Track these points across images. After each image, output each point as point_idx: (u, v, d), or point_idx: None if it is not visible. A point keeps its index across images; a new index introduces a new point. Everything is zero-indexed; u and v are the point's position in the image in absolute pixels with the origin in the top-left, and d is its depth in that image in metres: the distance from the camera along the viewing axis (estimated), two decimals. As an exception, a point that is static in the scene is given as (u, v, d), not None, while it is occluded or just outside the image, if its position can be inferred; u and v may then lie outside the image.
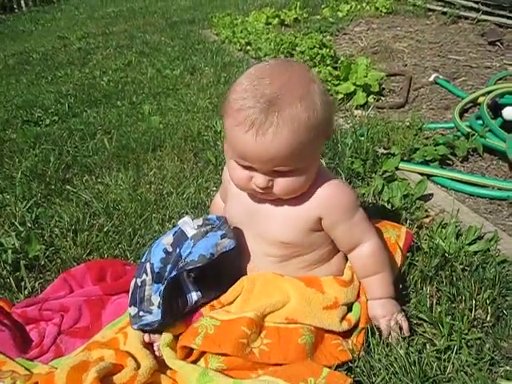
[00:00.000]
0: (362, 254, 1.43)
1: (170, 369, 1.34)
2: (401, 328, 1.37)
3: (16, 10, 13.06)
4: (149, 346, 1.37)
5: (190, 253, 1.41)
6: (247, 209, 1.46)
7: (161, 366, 1.33)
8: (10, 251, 1.94)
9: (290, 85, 1.24)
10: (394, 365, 1.27)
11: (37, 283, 1.83)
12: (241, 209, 1.48)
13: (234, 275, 1.46)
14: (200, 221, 1.47)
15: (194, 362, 1.31)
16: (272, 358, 1.26)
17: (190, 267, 1.37)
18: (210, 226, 1.45)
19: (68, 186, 2.54)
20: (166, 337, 1.34)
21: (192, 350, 1.31)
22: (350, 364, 1.29)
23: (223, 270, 1.45)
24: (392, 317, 1.39)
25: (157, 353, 1.36)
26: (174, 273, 1.38)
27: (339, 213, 1.39)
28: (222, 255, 1.39)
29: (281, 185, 1.32)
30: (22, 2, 13.16)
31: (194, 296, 1.41)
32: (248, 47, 5.13)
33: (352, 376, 1.25)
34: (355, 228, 1.41)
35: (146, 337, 1.38)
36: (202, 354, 1.30)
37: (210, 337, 1.27)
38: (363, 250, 1.43)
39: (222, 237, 1.42)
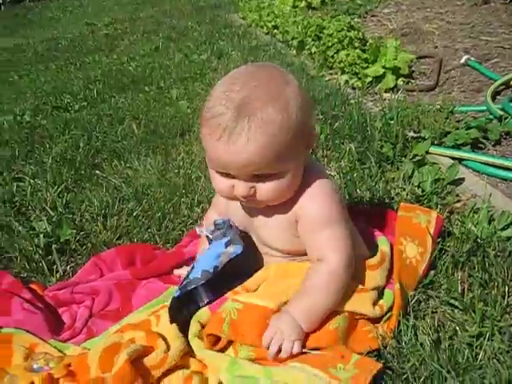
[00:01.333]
0: (317, 268, 1.34)
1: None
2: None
3: (44, -3, 13.19)
4: (181, 327, 1.37)
5: (193, 268, 1.42)
6: (246, 216, 1.46)
7: (191, 349, 1.34)
8: (41, 235, 1.97)
9: (261, 88, 1.22)
10: (424, 351, 1.25)
11: (68, 267, 1.86)
12: (241, 217, 1.48)
13: (251, 271, 1.45)
14: (212, 227, 1.50)
15: (222, 349, 1.30)
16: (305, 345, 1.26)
17: (193, 286, 1.36)
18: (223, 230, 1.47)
19: (97, 171, 2.56)
20: (194, 327, 1.33)
21: (219, 337, 1.30)
22: (381, 350, 1.28)
23: (238, 269, 1.44)
24: (280, 336, 1.24)
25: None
26: (177, 293, 1.39)
27: (307, 222, 1.35)
28: (232, 261, 1.39)
29: (263, 191, 1.28)
30: (50, -11, 13.28)
31: (205, 299, 1.38)
32: (275, 31, 5.09)
33: (382, 362, 1.24)
34: (321, 242, 1.34)
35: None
36: (230, 341, 1.30)
37: (234, 324, 1.27)
38: (320, 266, 1.33)
39: (227, 244, 1.42)
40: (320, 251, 1.34)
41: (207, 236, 1.51)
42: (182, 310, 1.37)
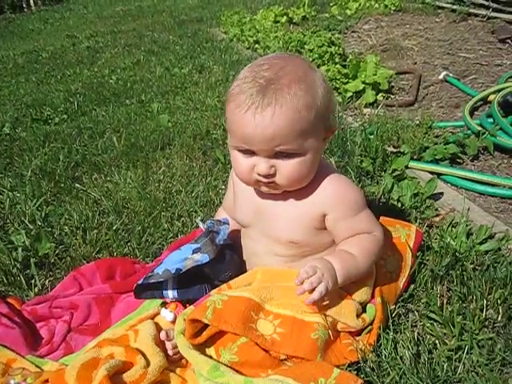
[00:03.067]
0: (366, 236, 1.41)
1: (180, 367, 1.35)
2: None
3: (25, 9, 13.13)
4: (159, 343, 1.37)
5: (161, 263, 1.46)
6: (254, 208, 1.46)
7: (170, 364, 1.33)
8: (20, 249, 1.95)
9: (289, 68, 1.28)
10: (404, 364, 1.26)
11: (47, 281, 1.83)
12: (249, 208, 1.48)
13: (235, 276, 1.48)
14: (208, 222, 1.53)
15: (204, 344, 1.31)
16: (282, 349, 1.26)
17: (152, 281, 1.42)
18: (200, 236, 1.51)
19: (77, 185, 2.55)
20: (180, 324, 1.33)
21: (201, 331, 1.30)
22: (360, 364, 1.28)
23: (217, 272, 1.47)
24: (320, 276, 1.28)
25: (170, 352, 1.36)
26: (141, 281, 1.44)
27: (343, 210, 1.38)
28: (197, 268, 1.41)
29: (283, 171, 1.31)
30: (31, 1, 13.23)
31: (170, 294, 1.46)
32: (256, 45, 5.12)
33: (362, 376, 1.25)
34: (358, 223, 1.41)
35: (163, 334, 1.38)
36: (212, 337, 1.30)
37: (217, 311, 1.28)
38: (369, 235, 1.42)
39: (195, 251, 1.45)
40: (364, 228, 1.41)
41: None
42: (146, 293, 1.47)
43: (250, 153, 1.31)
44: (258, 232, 1.47)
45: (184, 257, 1.44)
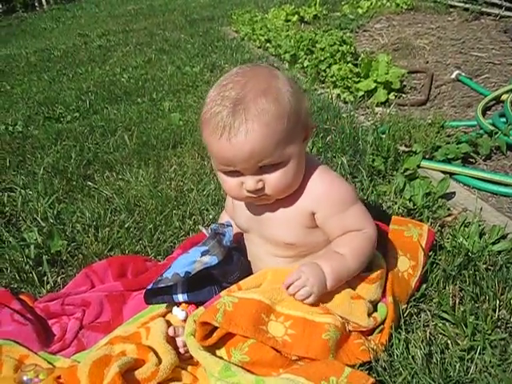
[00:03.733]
0: (355, 234, 1.39)
1: (191, 365, 1.35)
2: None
3: (37, 8, 13.22)
4: (171, 340, 1.37)
5: (169, 267, 1.47)
6: (249, 215, 1.48)
7: (182, 362, 1.33)
8: (32, 246, 1.96)
9: (251, 83, 1.27)
10: (416, 364, 1.26)
11: (59, 278, 1.85)
12: (245, 215, 1.50)
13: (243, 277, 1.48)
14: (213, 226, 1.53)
15: (214, 346, 1.30)
16: (294, 350, 1.26)
17: (162, 285, 1.43)
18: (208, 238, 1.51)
19: (89, 182, 2.56)
20: (190, 325, 1.33)
21: (212, 332, 1.30)
22: (372, 363, 1.28)
23: (226, 274, 1.47)
24: (305, 280, 1.30)
25: (181, 350, 1.36)
26: (150, 286, 1.45)
27: (331, 206, 1.38)
28: (206, 270, 1.42)
29: (271, 183, 1.32)
30: (44, 0, 13.30)
31: (180, 298, 1.46)
32: (268, 44, 5.12)
33: (374, 375, 1.24)
34: (349, 220, 1.39)
35: (171, 330, 1.38)
36: (222, 338, 1.29)
37: (228, 314, 1.27)
38: (359, 233, 1.39)
39: (203, 254, 1.45)
40: (355, 225, 1.39)
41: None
42: (156, 298, 1.48)
43: (235, 172, 1.32)
44: (257, 236, 1.49)
45: (193, 260, 1.44)
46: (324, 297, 1.34)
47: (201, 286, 1.48)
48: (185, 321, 1.40)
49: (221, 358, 1.28)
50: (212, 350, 1.30)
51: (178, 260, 1.50)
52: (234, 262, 1.49)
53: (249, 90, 1.26)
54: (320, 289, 1.31)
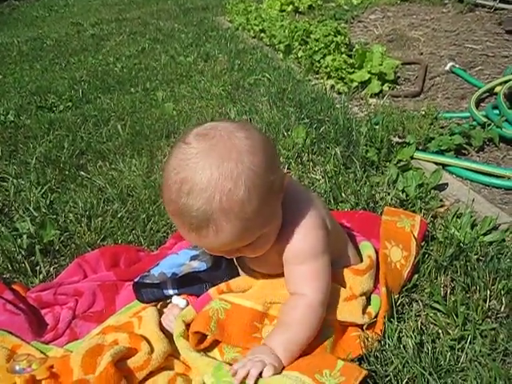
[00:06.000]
0: (295, 303, 1.30)
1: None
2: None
3: (30, -4, 13.06)
4: (163, 329, 1.38)
5: (157, 265, 1.48)
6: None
7: (174, 351, 1.33)
8: (25, 236, 1.95)
9: (213, 184, 1.11)
10: (407, 354, 1.26)
11: (51, 268, 1.84)
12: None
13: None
14: None
15: (207, 348, 1.31)
16: None
17: (148, 281, 1.44)
18: None
19: (82, 172, 2.55)
20: (179, 327, 1.33)
21: (205, 335, 1.30)
22: (364, 353, 1.29)
23: (213, 279, 1.47)
24: (252, 364, 1.17)
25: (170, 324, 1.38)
26: (137, 279, 1.46)
27: (289, 254, 1.31)
28: (194, 274, 1.43)
29: (248, 253, 1.29)
30: (36, -12, 13.15)
31: (171, 292, 1.48)
32: (262, 34, 5.10)
33: (365, 364, 1.25)
34: (297, 276, 1.31)
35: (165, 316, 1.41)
36: (215, 341, 1.30)
37: (221, 323, 1.28)
38: (298, 300, 1.29)
39: (193, 258, 1.46)
40: (298, 286, 1.31)
41: None
42: (147, 292, 1.49)
43: None
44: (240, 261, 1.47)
45: (181, 262, 1.46)
46: None
47: (190, 283, 1.49)
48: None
49: (213, 357, 1.28)
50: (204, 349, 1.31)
51: (167, 259, 1.51)
52: (222, 269, 1.47)
53: (212, 191, 1.10)
54: (275, 364, 1.19)
